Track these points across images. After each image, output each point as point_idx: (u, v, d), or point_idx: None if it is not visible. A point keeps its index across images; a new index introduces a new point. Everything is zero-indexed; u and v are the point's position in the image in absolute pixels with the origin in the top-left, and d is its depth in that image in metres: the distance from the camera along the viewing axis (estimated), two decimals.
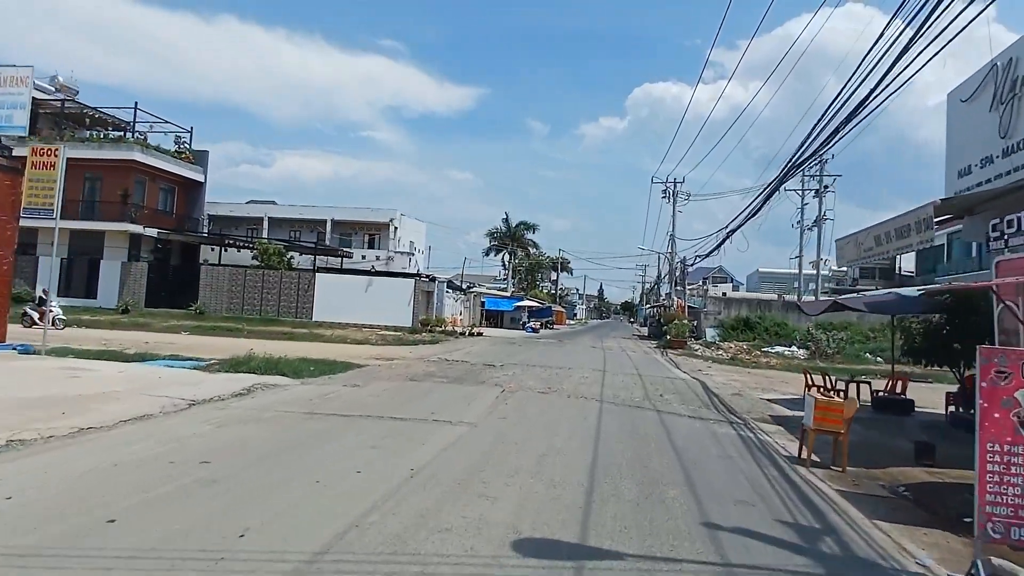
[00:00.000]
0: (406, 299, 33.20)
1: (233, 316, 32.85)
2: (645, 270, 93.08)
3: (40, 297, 23.01)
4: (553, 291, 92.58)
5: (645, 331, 61.31)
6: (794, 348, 32.40)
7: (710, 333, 38.57)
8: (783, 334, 36.11)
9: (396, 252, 37.94)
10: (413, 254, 38.63)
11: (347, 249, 37.25)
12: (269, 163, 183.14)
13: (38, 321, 21.68)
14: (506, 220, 62.71)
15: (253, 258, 34.97)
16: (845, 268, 61.42)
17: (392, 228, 38.23)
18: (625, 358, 22.96)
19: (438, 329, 33.13)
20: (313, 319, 33.08)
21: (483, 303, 48.12)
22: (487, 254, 63.79)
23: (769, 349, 32.00)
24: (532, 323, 44.00)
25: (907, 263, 58.57)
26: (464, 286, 50.38)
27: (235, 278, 33.60)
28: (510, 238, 62.19)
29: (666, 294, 70.57)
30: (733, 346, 32.67)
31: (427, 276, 35.61)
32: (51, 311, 22.35)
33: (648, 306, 72.75)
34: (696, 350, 31.27)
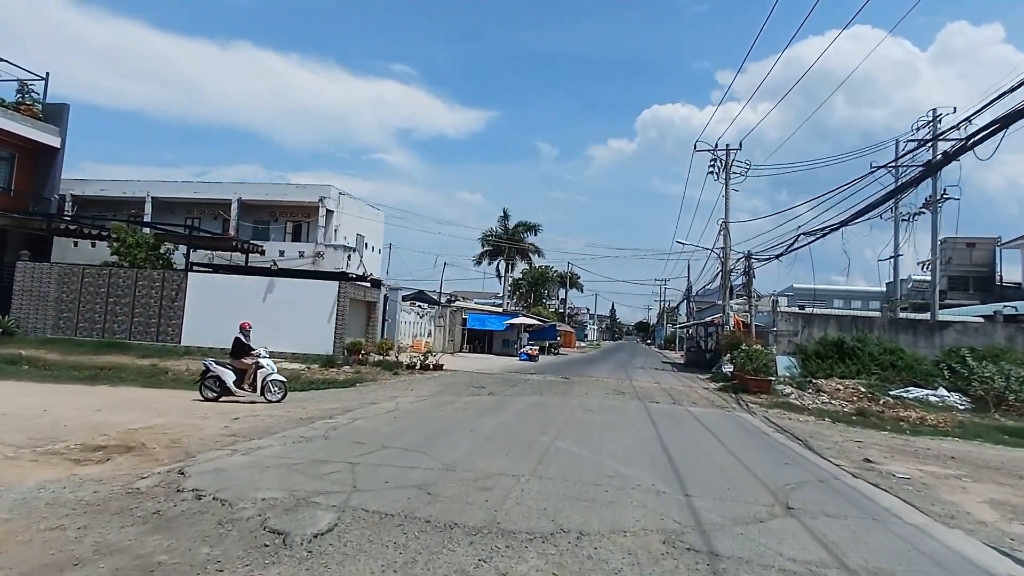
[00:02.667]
0: (327, 312, 21.46)
1: (61, 338, 21.35)
2: (665, 284, 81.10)
3: (238, 339, 12.70)
4: (561, 309, 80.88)
5: (678, 356, 48.94)
6: (941, 390, 20.23)
7: (783, 363, 26.23)
8: (902, 366, 23.77)
9: (328, 246, 26.30)
10: (353, 250, 26.95)
11: (257, 242, 25.63)
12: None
13: (236, 388, 12.14)
14: (504, 218, 51.12)
15: (114, 253, 23.52)
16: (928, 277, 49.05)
17: (323, 212, 26.64)
18: (702, 436, 10.65)
19: (376, 358, 21.33)
20: (182, 343, 21.43)
21: (465, 320, 36.32)
22: (479, 262, 52.10)
23: (903, 394, 19.84)
24: (528, 347, 32.05)
25: (1011, 272, 46.11)
26: (444, 299, 38.69)
27: (67, 282, 22.06)
28: (507, 241, 50.51)
29: (690, 312, 58.44)
30: (841, 388, 20.51)
31: (363, 277, 23.85)
32: (262, 366, 12.35)
33: (678, 325, 60.43)
34: (787, 394, 19.22)
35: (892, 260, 34.25)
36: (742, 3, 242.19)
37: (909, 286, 48.66)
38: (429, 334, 31.85)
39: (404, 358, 21.87)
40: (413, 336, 29.57)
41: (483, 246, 51.60)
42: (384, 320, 27.10)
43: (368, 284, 24.43)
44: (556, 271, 78.12)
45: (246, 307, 21.43)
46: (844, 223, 17.79)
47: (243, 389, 12.17)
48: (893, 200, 32.84)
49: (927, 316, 29.78)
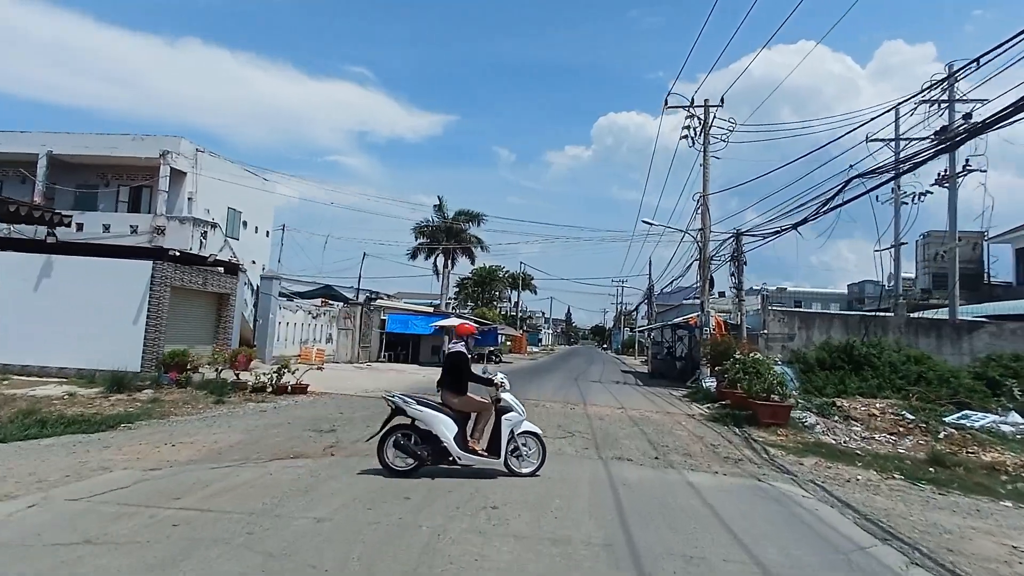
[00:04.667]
0: (132, 307, 14.34)
1: None
2: (623, 284, 75.94)
3: (460, 356, 7.07)
4: (513, 312, 74.68)
5: (639, 363, 43.09)
6: (1013, 415, 14.60)
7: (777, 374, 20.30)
8: (933, 378, 18.22)
9: (173, 218, 19.05)
10: (213, 225, 19.73)
11: (66, 212, 18.14)
12: None
13: (461, 450, 6.58)
14: (439, 208, 44.23)
15: None
16: (914, 275, 44.82)
17: (166, 173, 19.32)
18: None
19: (201, 376, 14.32)
20: None
21: (383, 321, 29.35)
22: (414, 255, 45.08)
23: (962, 420, 14.08)
24: None
25: (1001, 269, 42.02)
26: (364, 296, 31.76)
27: None
28: (445, 233, 43.75)
29: (650, 314, 52.55)
30: (876, 413, 14.68)
31: (201, 258, 16.73)
32: (507, 408, 6.93)
33: (643, 328, 54.92)
34: (810, 425, 13.19)
35: (893, 249, 29.21)
36: (695, 16, 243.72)
37: (892, 284, 44.24)
38: (329, 339, 24.80)
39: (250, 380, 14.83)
40: (302, 342, 22.51)
41: (417, 238, 44.73)
42: (255, 320, 20.02)
43: (220, 269, 17.35)
44: (508, 271, 72.06)
45: (9, 299, 14.18)
46: (894, 173, 11.92)
47: (475, 453, 6.68)
48: (895, 177, 27.05)
49: (934, 315, 24.74)
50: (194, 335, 16.35)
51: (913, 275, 43.39)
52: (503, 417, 6.80)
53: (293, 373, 13.90)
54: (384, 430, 6.63)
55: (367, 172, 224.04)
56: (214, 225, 19.72)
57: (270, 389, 13.74)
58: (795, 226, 14.32)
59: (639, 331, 58.98)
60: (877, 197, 30.68)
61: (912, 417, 14.11)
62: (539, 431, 7.17)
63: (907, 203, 28.98)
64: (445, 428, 6.53)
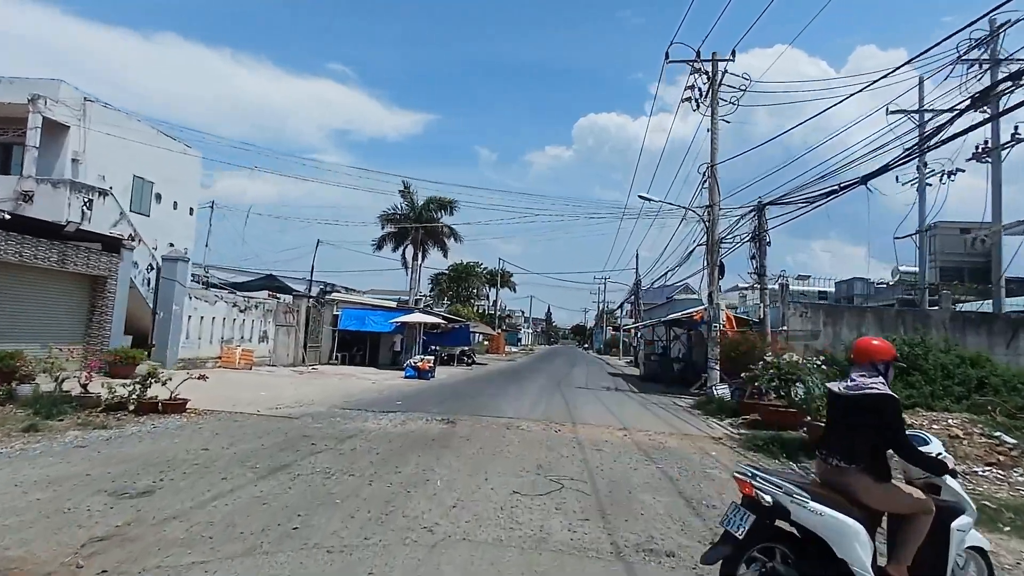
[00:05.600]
0: None
1: None
2: (606, 279, 72.56)
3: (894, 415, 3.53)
4: (491, 310, 70.87)
5: (624, 364, 39.41)
6: None
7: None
8: (1001, 386, 14.73)
9: (44, 181, 14.85)
10: (104, 193, 15.52)
11: None
12: (208, 184, 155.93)
13: None
14: (406, 192, 40.04)
15: None
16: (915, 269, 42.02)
17: (37, 124, 15.08)
18: None
19: (35, 387, 10.17)
20: None
21: (336, 317, 25.22)
22: (380, 246, 40.87)
23: None
24: (419, 359, 21.41)
25: (1014, 263, 39.32)
26: (315, 290, 27.73)
27: None
28: (415, 221, 39.66)
29: (636, 312, 48.78)
30: (961, 434, 11.10)
31: (56, 227, 12.54)
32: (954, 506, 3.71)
33: (633, 325, 51.42)
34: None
35: (917, 235, 25.98)
36: (676, 17, 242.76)
37: (893, 281, 41.33)
38: (264, 338, 20.64)
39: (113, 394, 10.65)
40: (224, 341, 18.33)
41: (383, 226, 40.57)
42: (155, 313, 15.85)
43: (97, 245, 13.19)
44: (486, 268, 68.17)
45: None
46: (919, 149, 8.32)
47: None
48: (919, 154, 23.20)
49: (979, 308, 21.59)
50: (50, 331, 12.20)
51: (916, 269, 40.54)
52: (953, 526, 3.63)
53: (165, 384, 9.86)
54: (737, 546, 3.45)
55: (348, 170, 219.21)
56: (103, 193, 15.48)
57: (132, 407, 9.69)
58: (864, 180, 10.60)
59: (625, 329, 55.49)
60: (897, 178, 27.38)
61: (1013, 441, 10.54)
62: (987, 545, 3.94)
63: (931, 185, 25.87)
64: (859, 546, 3.33)
